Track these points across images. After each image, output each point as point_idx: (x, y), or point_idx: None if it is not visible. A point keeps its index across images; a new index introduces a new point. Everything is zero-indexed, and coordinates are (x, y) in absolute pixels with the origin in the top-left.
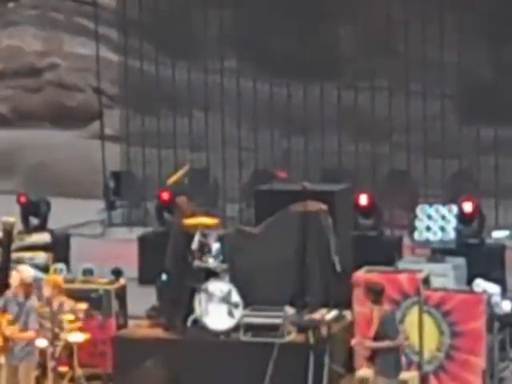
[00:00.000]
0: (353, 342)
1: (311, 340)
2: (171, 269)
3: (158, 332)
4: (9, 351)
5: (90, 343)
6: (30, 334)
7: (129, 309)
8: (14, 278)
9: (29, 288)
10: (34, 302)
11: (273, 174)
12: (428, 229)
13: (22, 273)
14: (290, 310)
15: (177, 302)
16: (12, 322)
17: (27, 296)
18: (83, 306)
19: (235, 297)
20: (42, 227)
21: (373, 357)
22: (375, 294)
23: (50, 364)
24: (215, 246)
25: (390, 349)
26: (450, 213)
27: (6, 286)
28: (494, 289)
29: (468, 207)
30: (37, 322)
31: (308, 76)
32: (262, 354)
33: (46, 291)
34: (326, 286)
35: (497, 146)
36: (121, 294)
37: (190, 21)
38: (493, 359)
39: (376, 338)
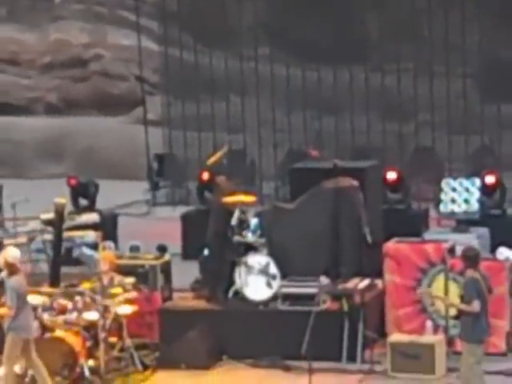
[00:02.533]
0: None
1: (345, 308)
2: (212, 244)
3: (201, 303)
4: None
5: (138, 315)
6: (3, 310)
7: (173, 282)
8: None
9: (11, 268)
10: (14, 280)
11: (306, 153)
12: (453, 201)
13: (5, 253)
14: (324, 280)
15: (218, 275)
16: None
17: (11, 275)
18: (131, 280)
19: (273, 269)
20: (90, 208)
21: (458, 318)
22: (467, 258)
23: (101, 335)
24: (253, 222)
25: (467, 313)
26: (473, 186)
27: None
28: None
29: (490, 180)
30: (14, 299)
31: (337, 60)
32: (299, 322)
33: (104, 266)
34: (358, 256)
35: None
36: (166, 269)
37: (226, 11)
38: None
39: (461, 300)
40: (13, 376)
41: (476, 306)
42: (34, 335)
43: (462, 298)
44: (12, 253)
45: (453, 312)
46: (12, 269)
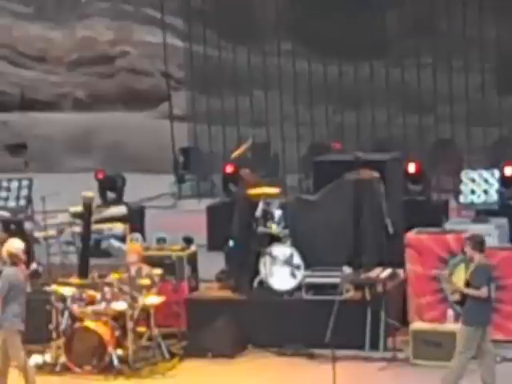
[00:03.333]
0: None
1: (368, 297)
2: (238, 235)
3: (227, 293)
4: None
5: (165, 305)
6: None
7: (199, 273)
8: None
9: (13, 258)
10: (10, 269)
11: (328, 146)
12: (472, 192)
13: (10, 243)
14: (347, 270)
15: (243, 266)
16: None
17: (13, 265)
18: (158, 271)
19: (297, 259)
20: (118, 200)
21: (460, 303)
22: (474, 242)
23: (129, 325)
24: (277, 213)
25: (473, 298)
26: (492, 177)
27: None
28: None
29: (509, 171)
30: (6, 287)
31: (358, 55)
32: (322, 311)
33: (132, 258)
34: (380, 246)
35: None
36: (192, 260)
37: (249, 8)
38: None
39: (466, 285)
40: (31, 366)
41: (484, 291)
42: (21, 329)
43: (468, 283)
44: (16, 244)
45: (455, 297)
46: (14, 259)
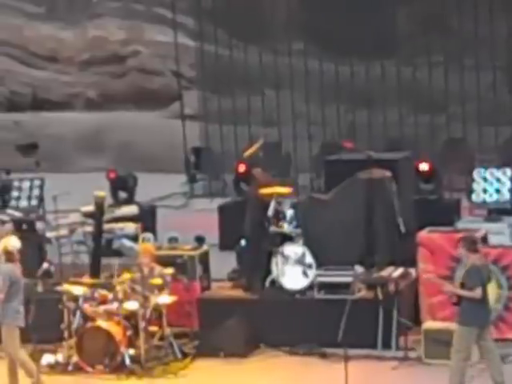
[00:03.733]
0: (427, 275)
1: (380, 296)
2: (249, 234)
3: (239, 293)
4: None
5: (177, 304)
6: None
7: (211, 272)
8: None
9: (9, 255)
10: (7, 266)
11: (340, 145)
12: (484, 191)
13: (7, 241)
14: (359, 269)
15: (255, 265)
16: None
17: (7, 261)
18: (170, 270)
19: (309, 258)
20: (130, 200)
21: (458, 304)
22: (467, 243)
23: (141, 324)
24: (289, 213)
25: (468, 299)
26: (504, 175)
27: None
28: None
29: None
30: (7, 283)
31: (369, 54)
32: (334, 310)
33: (144, 258)
34: (392, 245)
35: None
36: (204, 259)
37: (260, 7)
38: None
39: (461, 286)
40: (30, 362)
41: (479, 292)
42: (21, 325)
43: (463, 285)
44: (13, 242)
45: (454, 299)
46: (9, 256)
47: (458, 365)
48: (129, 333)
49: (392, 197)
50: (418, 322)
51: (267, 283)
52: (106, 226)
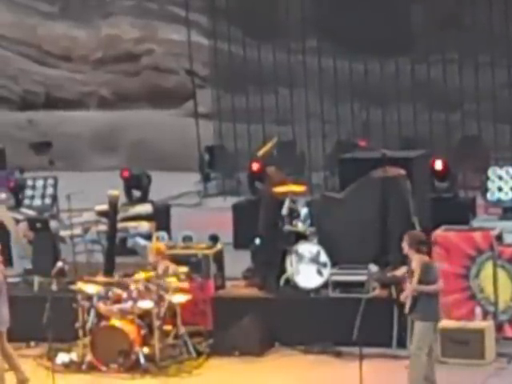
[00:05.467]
0: (402, 297)
1: (394, 295)
2: (264, 233)
3: (253, 291)
4: None
5: (192, 303)
6: None
7: (226, 271)
8: None
9: None
10: None
11: (355, 143)
12: (499, 189)
13: None
14: (373, 268)
15: (270, 264)
16: None
17: None
18: (184, 269)
19: (323, 257)
20: (143, 199)
21: (414, 306)
22: (418, 243)
23: (156, 323)
24: (303, 211)
25: (432, 294)
26: None
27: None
28: None
29: None
30: None
31: (383, 52)
32: (349, 309)
33: (151, 257)
34: None
35: None
36: (218, 258)
37: (274, 5)
38: None
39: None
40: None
41: (441, 284)
42: (6, 327)
43: (420, 282)
44: None
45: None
46: None
47: (423, 361)
48: (143, 332)
49: (407, 195)
50: None
51: (282, 282)
52: (120, 225)
